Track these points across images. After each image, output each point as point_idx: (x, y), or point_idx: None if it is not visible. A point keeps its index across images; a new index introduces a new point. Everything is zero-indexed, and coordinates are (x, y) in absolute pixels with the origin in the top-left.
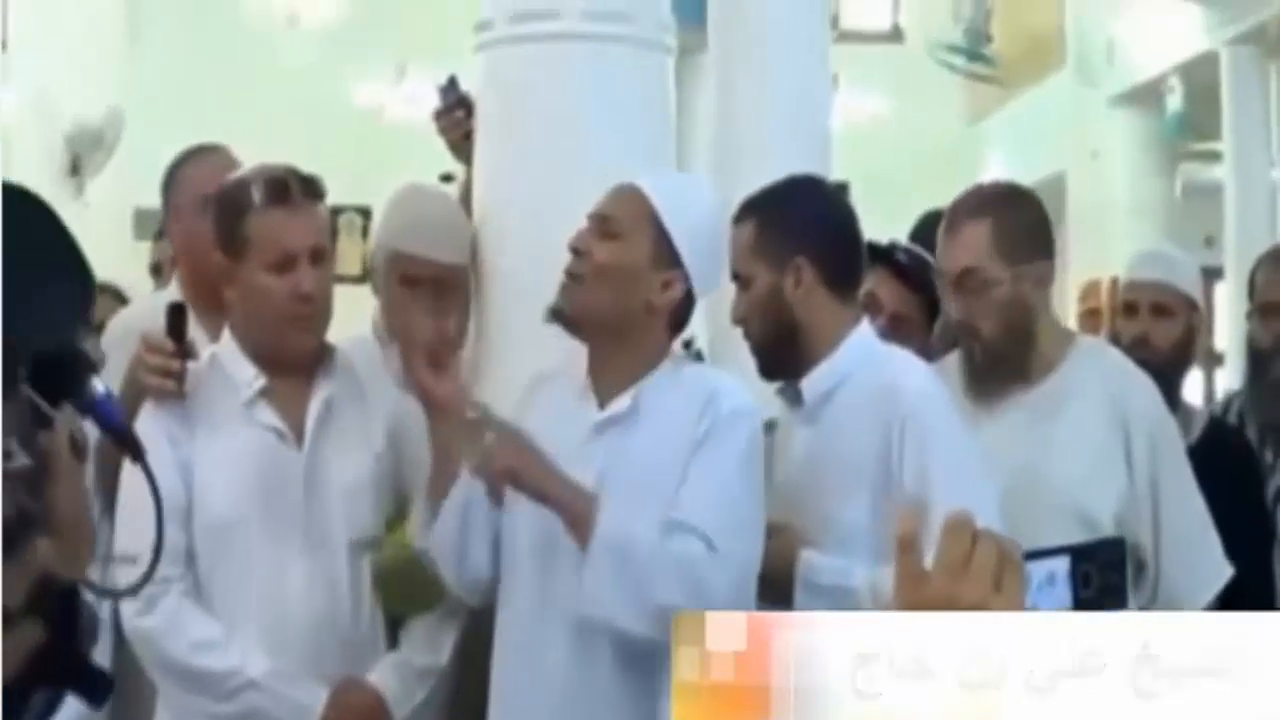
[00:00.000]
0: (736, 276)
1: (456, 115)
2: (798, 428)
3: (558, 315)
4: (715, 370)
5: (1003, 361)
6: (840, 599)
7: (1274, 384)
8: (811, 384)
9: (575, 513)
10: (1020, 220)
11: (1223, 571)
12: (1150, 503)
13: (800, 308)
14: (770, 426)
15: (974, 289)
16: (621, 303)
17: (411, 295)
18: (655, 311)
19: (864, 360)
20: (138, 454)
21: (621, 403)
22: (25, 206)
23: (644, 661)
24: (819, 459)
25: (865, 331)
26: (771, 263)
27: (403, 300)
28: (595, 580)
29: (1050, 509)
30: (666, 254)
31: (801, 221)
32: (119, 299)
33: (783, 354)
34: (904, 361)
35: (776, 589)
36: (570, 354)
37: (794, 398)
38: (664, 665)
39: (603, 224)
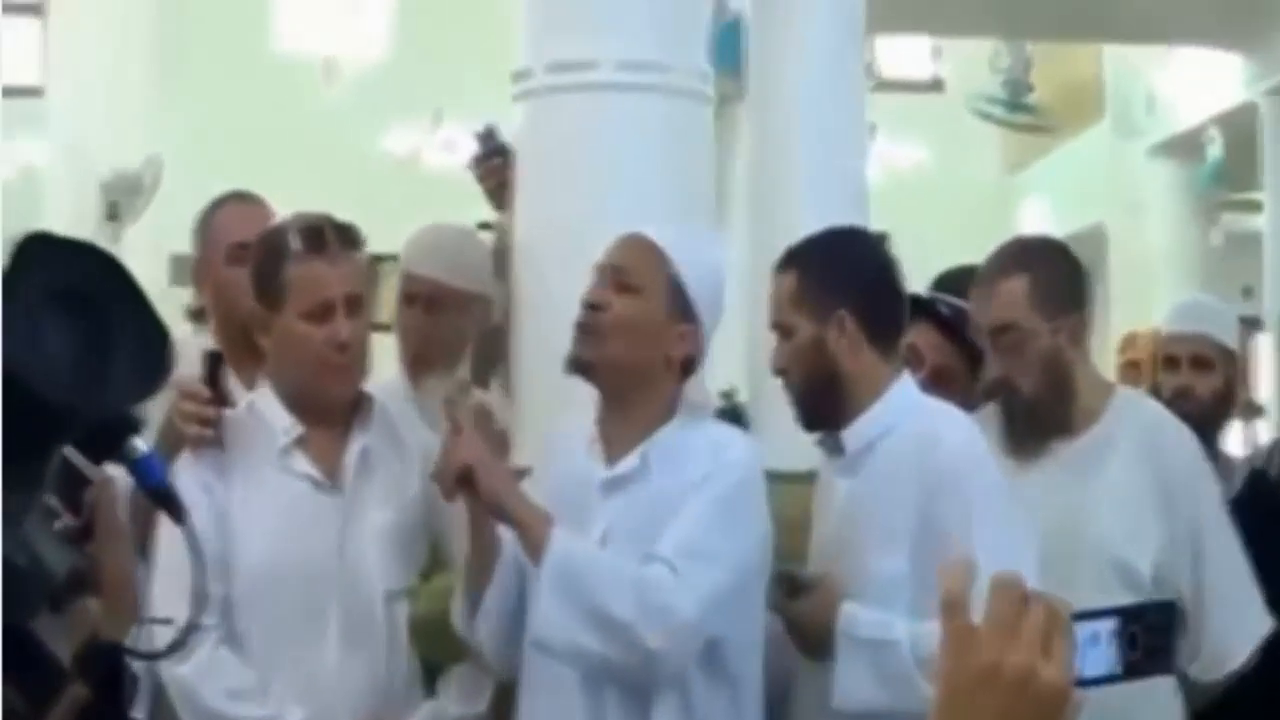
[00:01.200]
0: (778, 326)
1: (494, 163)
2: (838, 479)
3: (578, 365)
4: (722, 425)
5: (1043, 416)
6: (881, 652)
7: None
8: (853, 435)
9: (531, 535)
10: (1056, 274)
11: (1264, 623)
12: (1190, 556)
13: (843, 359)
14: (808, 478)
15: (1012, 344)
16: (641, 356)
17: (409, 312)
18: (672, 364)
19: (906, 412)
20: (179, 514)
21: (630, 461)
22: (106, 268)
23: (642, 701)
24: (859, 511)
25: (907, 384)
26: (814, 314)
27: (401, 317)
28: (546, 600)
29: (1090, 562)
30: (681, 307)
31: (844, 273)
32: None
33: (825, 405)
34: (945, 415)
35: (817, 642)
36: (585, 409)
37: (834, 448)
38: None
39: (618, 275)
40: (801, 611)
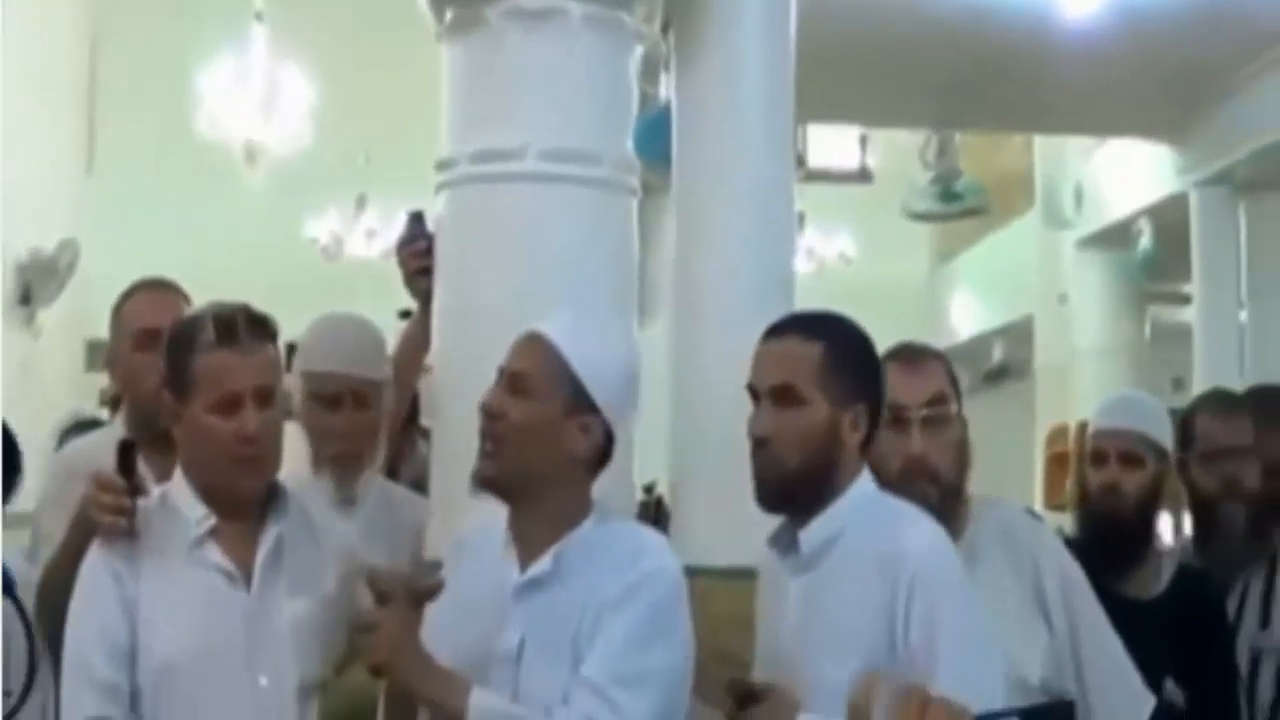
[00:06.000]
0: (786, 391)
1: (418, 246)
2: (789, 578)
3: (483, 483)
4: (638, 528)
5: (950, 509)
6: None
7: (1224, 530)
8: (810, 534)
9: (449, 711)
10: (952, 369)
11: (1146, 702)
12: (1071, 652)
13: (844, 452)
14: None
15: (938, 420)
16: (542, 460)
17: (328, 414)
18: (577, 460)
19: (864, 509)
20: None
21: (542, 564)
22: None
23: None
24: (813, 614)
25: (865, 480)
26: (837, 398)
27: (319, 419)
28: None
29: None
30: (582, 400)
31: (869, 367)
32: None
33: (805, 490)
34: (907, 515)
35: None
36: (499, 508)
37: (788, 546)
38: None
39: (514, 381)
40: None
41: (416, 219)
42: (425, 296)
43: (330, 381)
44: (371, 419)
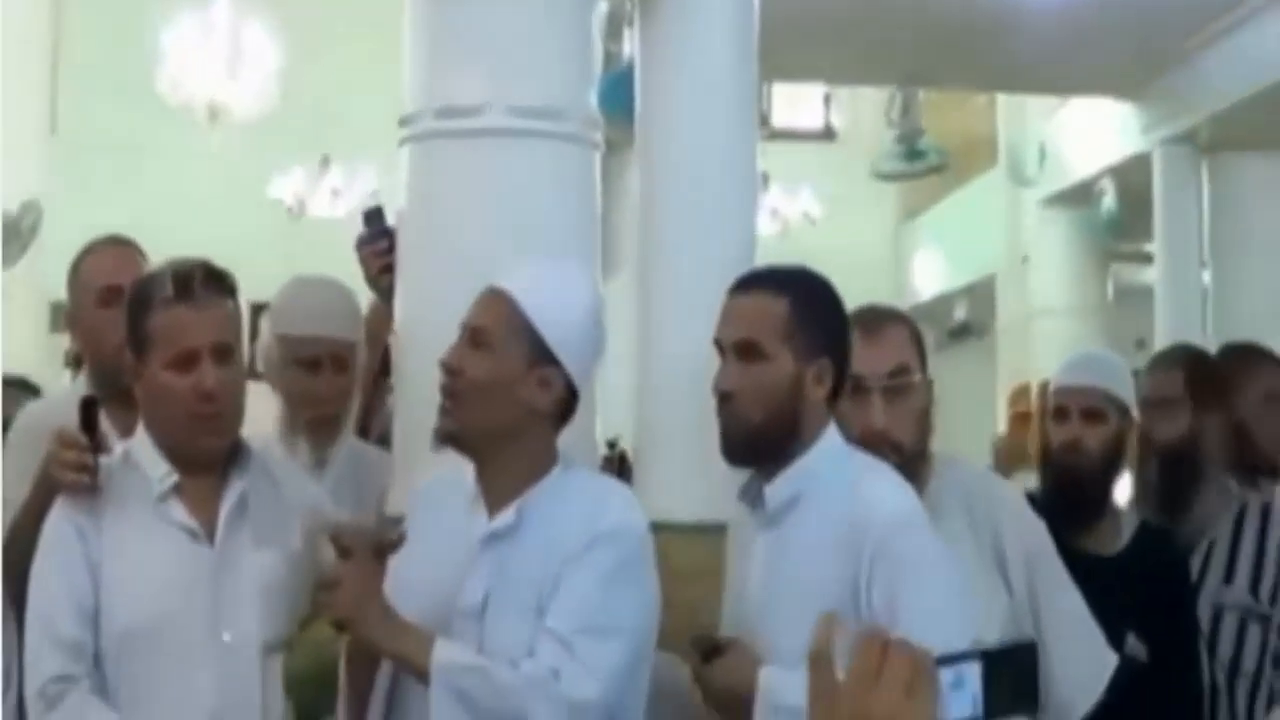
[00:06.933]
0: (749, 346)
1: (379, 245)
2: (758, 532)
3: (444, 439)
4: (604, 480)
5: (911, 471)
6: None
7: (1144, 484)
8: (775, 489)
9: (413, 666)
10: (918, 332)
11: (1108, 662)
12: (1031, 613)
13: (808, 407)
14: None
15: (900, 390)
16: (502, 415)
17: (310, 377)
18: (537, 413)
19: (830, 466)
20: None
21: (506, 516)
22: None
23: None
24: (778, 571)
25: (832, 434)
26: (801, 353)
27: (299, 383)
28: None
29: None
30: (542, 354)
31: (833, 320)
32: (31, 392)
33: (770, 445)
34: (875, 475)
35: (731, 706)
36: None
37: (755, 499)
38: None
39: (474, 336)
40: (715, 676)
41: (375, 216)
42: (388, 294)
43: (310, 345)
44: (349, 381)
